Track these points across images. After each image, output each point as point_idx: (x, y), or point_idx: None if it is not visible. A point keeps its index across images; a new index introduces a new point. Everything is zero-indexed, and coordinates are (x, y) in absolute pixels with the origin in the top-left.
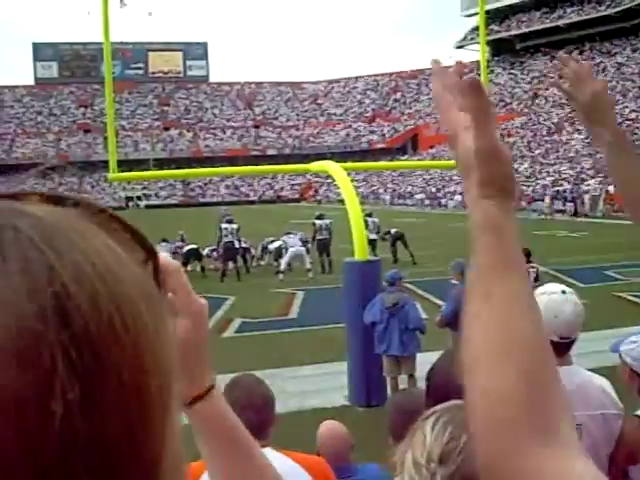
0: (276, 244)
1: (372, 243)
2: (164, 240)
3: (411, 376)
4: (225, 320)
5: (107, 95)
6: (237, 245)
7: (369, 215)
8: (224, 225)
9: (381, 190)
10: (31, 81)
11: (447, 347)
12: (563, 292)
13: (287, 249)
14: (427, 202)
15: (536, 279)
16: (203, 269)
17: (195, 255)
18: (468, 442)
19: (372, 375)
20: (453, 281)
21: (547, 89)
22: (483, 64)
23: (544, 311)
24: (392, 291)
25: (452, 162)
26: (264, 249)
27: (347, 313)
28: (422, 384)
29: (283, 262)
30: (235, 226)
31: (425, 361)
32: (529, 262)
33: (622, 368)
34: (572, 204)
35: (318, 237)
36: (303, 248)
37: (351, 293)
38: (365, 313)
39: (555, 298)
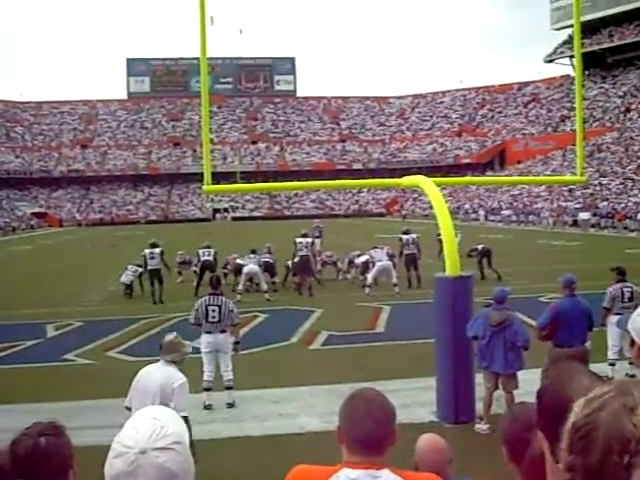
0: (363, 258)
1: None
2: (253, 252)
3: (509, 392)
4: (311, 332)
5: (203, 109)
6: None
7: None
8: (299, 239)
9: (467, 205)
10: (124, 95)
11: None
12: None
13: (374, 263)
14: (514, 218)
15: (631, 299)
16: (285, 280)
17: (265, 268)
18: None
19: (461, 392)
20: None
21: None
22: (578, 79)
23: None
24: (498, 309)
25: (542, 178)
26: (350, 263)
27: (437, 329)
28: (520, 400)
29: (370, 276)
30: (309, 240)
31: (522, 378)
32: (624, 281)
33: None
34: None
35: (406, 252)
36: (390, 262)
37: (441, 309)
38: (468, 326)
39: None
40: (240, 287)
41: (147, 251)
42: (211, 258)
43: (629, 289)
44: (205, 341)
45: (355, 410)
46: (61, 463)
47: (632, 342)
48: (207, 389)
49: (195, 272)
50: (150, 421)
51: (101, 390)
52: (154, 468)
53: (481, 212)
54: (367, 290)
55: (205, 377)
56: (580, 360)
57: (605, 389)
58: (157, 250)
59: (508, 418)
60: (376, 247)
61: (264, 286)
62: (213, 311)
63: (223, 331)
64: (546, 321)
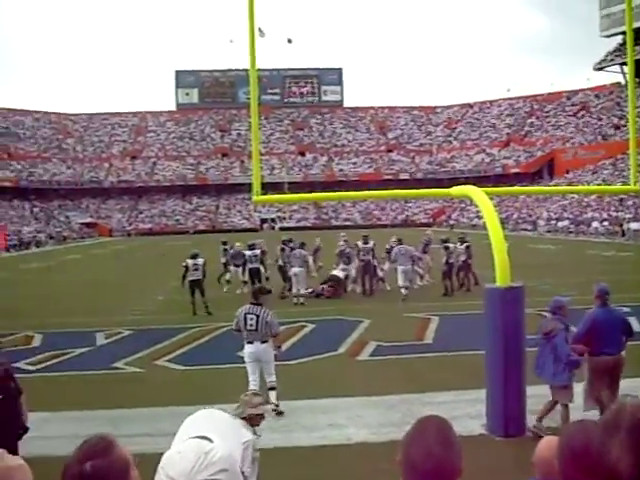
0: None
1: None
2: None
3: (565, 406)
4: (360, 343)
5: (253, 120)
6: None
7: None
8: (361, 245)
9: (515, 215)
10: (173, 107)
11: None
12: None
13: (395, 266)
14: (562, 228)
15: None
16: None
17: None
18: None
19: (511, 404)
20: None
21: None
22: (631, 86)
23: None
24: (551, 318)
25: (595, 187)
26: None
27: (487, 340)
28: (576, 415)
29: (400, 283)
30: (370, 246)
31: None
32: None
33: None
34: None
35: (451, 260)
36: (410, 267)
37: (492, 320)
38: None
39: None
40: (294, 290)
41: (190, 262)
42: (258, 264)
43: None
44: (247, 351)
45: (423, 441)
46: None
47: None
48: None
49: (244, 282)
50: (196, 444)
51: (149, 398)
52: None
53: (540, 222)
54: (404, 292)
55: (250, 386)
56: (616, 369)
57: None
58: (200, 261)
59: (563, 438)
60: (400, 243)
61: (302, 290)
62: (251, 319)
63: (264, 341)
64: (582, 332)
